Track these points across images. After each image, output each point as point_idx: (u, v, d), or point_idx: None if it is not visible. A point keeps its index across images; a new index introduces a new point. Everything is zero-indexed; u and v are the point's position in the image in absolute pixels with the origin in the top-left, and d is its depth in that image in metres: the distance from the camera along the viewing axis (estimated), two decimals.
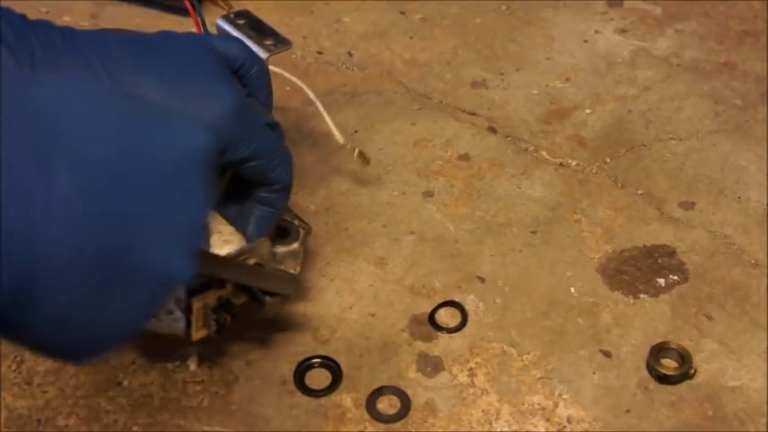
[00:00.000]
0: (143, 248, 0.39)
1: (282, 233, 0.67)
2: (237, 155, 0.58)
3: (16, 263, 0.35)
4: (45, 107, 0.37)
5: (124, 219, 0.38)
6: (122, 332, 0.41)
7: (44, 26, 0.55)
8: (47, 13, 0.98)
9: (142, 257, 0.39)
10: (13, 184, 0.35)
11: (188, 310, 0.57)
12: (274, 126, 0.63)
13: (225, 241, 0.60)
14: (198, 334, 0.59)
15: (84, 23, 0.97)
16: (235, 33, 0.70)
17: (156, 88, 0.55)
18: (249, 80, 0.62)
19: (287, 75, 0.77)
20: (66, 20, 0.97)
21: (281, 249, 0.66)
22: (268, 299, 0.62)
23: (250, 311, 0.63)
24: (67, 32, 0.55)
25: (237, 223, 0.62)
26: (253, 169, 0.60)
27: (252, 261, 0.61)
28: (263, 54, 0.69)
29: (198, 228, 0.42)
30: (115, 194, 0.38)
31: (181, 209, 0.41)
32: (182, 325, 0.57)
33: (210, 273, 0.57)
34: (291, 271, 0.66)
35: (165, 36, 0.60)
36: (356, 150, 0.76)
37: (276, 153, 0.61)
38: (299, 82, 0.76)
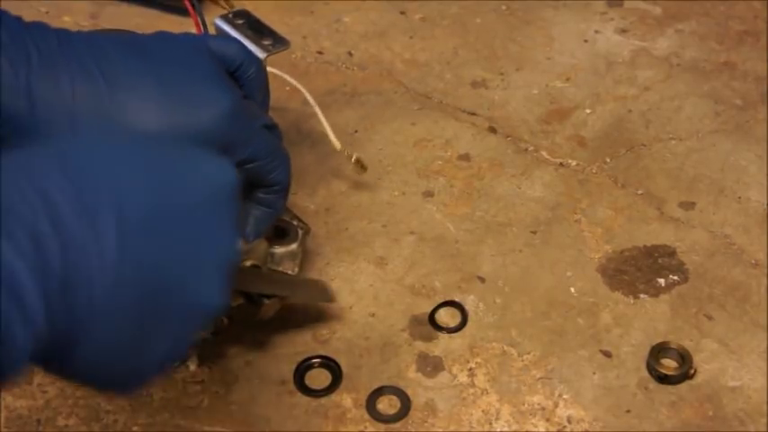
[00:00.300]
0: (180, 287, 0.41)
1: (281, 233, 0.67)
2: (235, 157, 0.58)
3: (63, 311, 0.37)
4: (84, 164, 0.39)
5: (162, 262, 0.40)
6: (164, 363, 0.43)
7: (40, 29, 0.54)
8: (47, 13, 0.98)
9: (179, 296, 0.41)
10: (68, 237, 0.37)
11: None
12: (272, 127, 0.63)
13: None
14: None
15: (84, 23, 0.97)
16: (233, 33, 0.70)
17: (153, 91, 0.55)
18: (247, 81, 0.62)
19: (287, 77, 0.77)
20: (66, 20, 0.97)
21: (279, 250, 0.66)
22: (266, 301, 0.62)
23: (247, 314, 0.63)
24: (63, 35, 0.55)
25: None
26: (251, 171, 0.60)
27: (249, 263, 0.60)
28: (261, 54, 0.69)
29: (229, 259, 0.44)
30: (154, 242, 0.40)
31: (213, 244, 0.43)
32: None
33: (251, 290, 0.58)
34: (289, 272, 0.66)
35: (162, 37, 0.59)
36: (353, 157, 0.76)
37: (274, 155, 0.61)
38: (298, 85, 0.76)
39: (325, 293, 0.69)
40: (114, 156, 0.41)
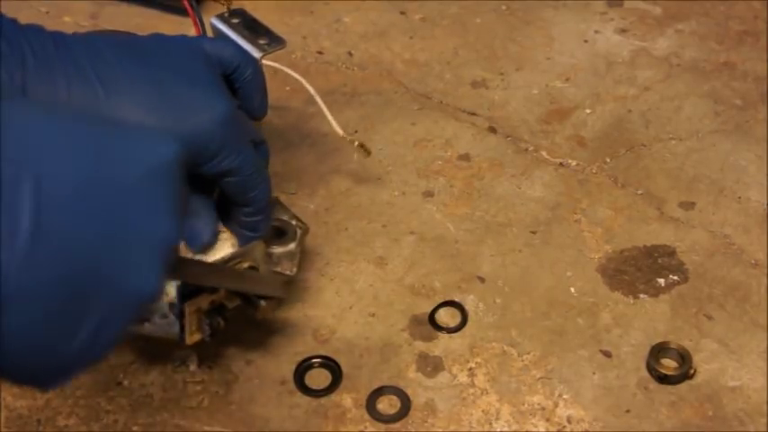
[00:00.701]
0: (109, 269, 0.39)
1: (279, 233, 0.66)
2: (221, 166, 0.57)
3: None
4: (9, 135, 0.37)
5: (87, 242, 0.38)
6: (94, 353, 0.40)
7: (35, 32, 0.54)
8: (47, 13, 0.98)
9: (106, 279, 0.39)
10: None
11: (181, 315, 0.57)
12: (260, 144, 0.62)
13: (222, 244, 0.60)
14: (192, 338, 0.59)
15: (85, 23, 0.97)
16: (229, 32, 0.70)
17: (148, 95, 0.55)
18: (244, 83, 0.62)
19: (288, 70, 0.77)
20: (66, 20, 0.97)
21: (277, 250, 0.66)
22: (262, 302, 0.62)
23: (244, 315, 0.63)
24: (59, 38, 0.54)
25: (231, 227, 0.62)
26: (233, 185, 0.59)
27: (246, 264, 0.60)
28: (256, 53, 0.69)
29: (165, 241, 0.41)
30: (77, 220, 0.37)
31: (146, 225, 0.40)
32: (176, 329, 0.57)
33: (199, 282, 0.57)
34: (288, 272, 0.65)
35: (159, 40, 0.59)
36: (356, 142, 0.76)
37: (257, 171, 0.60)
38: (296, 75, 0.76)
39: (278, 288, 0.65)
40: (44, 127, 0.38)
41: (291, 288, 0.68)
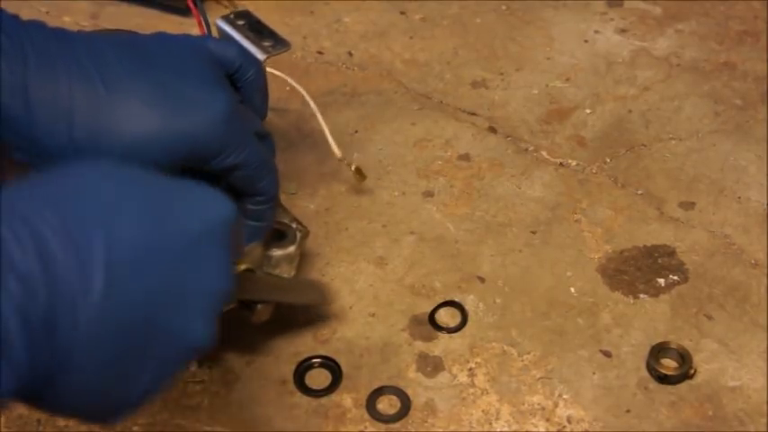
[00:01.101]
0: (167, 323, 0.41)
1: (279, 236, 0.66)
2: (226, 162, 0.58)
3: (45, 350, 0.37)
4: (76, 201, 0.39)
5: (149, 300, 0.40)
6: (149, 395, 0.43)
7: (38, 28, 0.54)
8: (47, 13, 0.98)
9: (166, 332, 0.41)
10: (56, 276, 0.37)
11: None
12: (265, 136, 0.63)
13: None
14: None
15: (85, 23, 0.97)
16: (233, 34, 0.70)
17: (149, 94, 0.55)
18: (245, 83, 0.62)
19: (289, 80, 0.77)
20: (66, 20, 0.97)
21: (276, 253, 0.65)
22: (258, 306, 0.61)
23: (240, 317, 0.62)
24: (61, 35, 0.54)
25: None
26: (240, 179, 0.60)
27: (243, 266, 0.60)
28: (260, 56, 0.69)
29: (218, 294, 0.44)
30: (142, 281, 0.39)
31: (201, 280, 0.43)
32: None
33: (244, 297, 0.58)
34: (285, 275, 0.65)
35: (161, 39, 0.59)
36: (353, 167, 0.77)
37: (264, 164, 0.60)
38: (299, 88, 0.76)
39: (322, 295, 0.68)
40: (107, 192, 0.40)
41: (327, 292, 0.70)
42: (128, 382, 0.41)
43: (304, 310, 0.70)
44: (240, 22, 0.71)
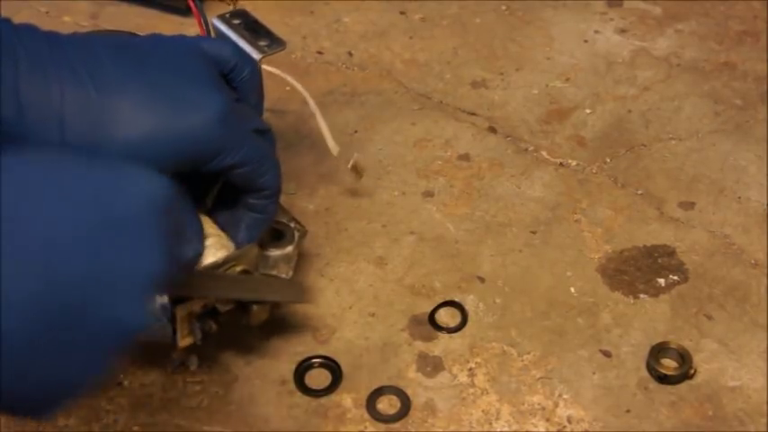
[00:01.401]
0: (97, 306, 0.40)
1: (277, 236, 0.66)
2: (225, 163, 0.57)
3: None
4: (9, 191, 0.39)
5: (79, 280, 0.39)
6: (83, 385, 0.42)
7: (29, 32, 0.53)
8: (47, 13, 0.98)
9: (97, 314, 0.40)
10: None
11: (173, 319, 0.57)
12: (264, 131, 0.62)
13: (215, 248, 0.59)
14: (184, 341, 0.59)
15: (85, 23, 0.97)
16: (230, 33, 0.70)
17: (143, 96, 0.54)
18: (241, 83, 0.61)
19: (288, 78, 0.77)
20: (66, 20, 0.97)
21: (274, 253, 0.65)
22: (255, 307, 0.61)
23: (237, 319, 0.62)
24: (53, 38, 0.54)
25: (229, 229, 0.62)
26: (241, 176, 0.59)
27: (239, 268, 0.60)
28: (256, 55, 0.68)
29: (151, 277, 0.43)
30: (70, 260, 0.39)
31: (134, 262, 0.42)
32: (169, 332, 0.57)
33: (205, 294, 0.57)
34: (283, 275, 0.65)
35: (156, 40, 0.59)
36: (350, 163, 0.76)
37: (264, 159, 0.60)
38: (299, 86, 0.76)
39: (300, 294, 0.66)
40: (30, 175, 0.40)
41: (310, 293, 0.69)
42: (59, 368, 0.40)
43: (304, 310, 0.70)
44: (236, 22, 0.71)
